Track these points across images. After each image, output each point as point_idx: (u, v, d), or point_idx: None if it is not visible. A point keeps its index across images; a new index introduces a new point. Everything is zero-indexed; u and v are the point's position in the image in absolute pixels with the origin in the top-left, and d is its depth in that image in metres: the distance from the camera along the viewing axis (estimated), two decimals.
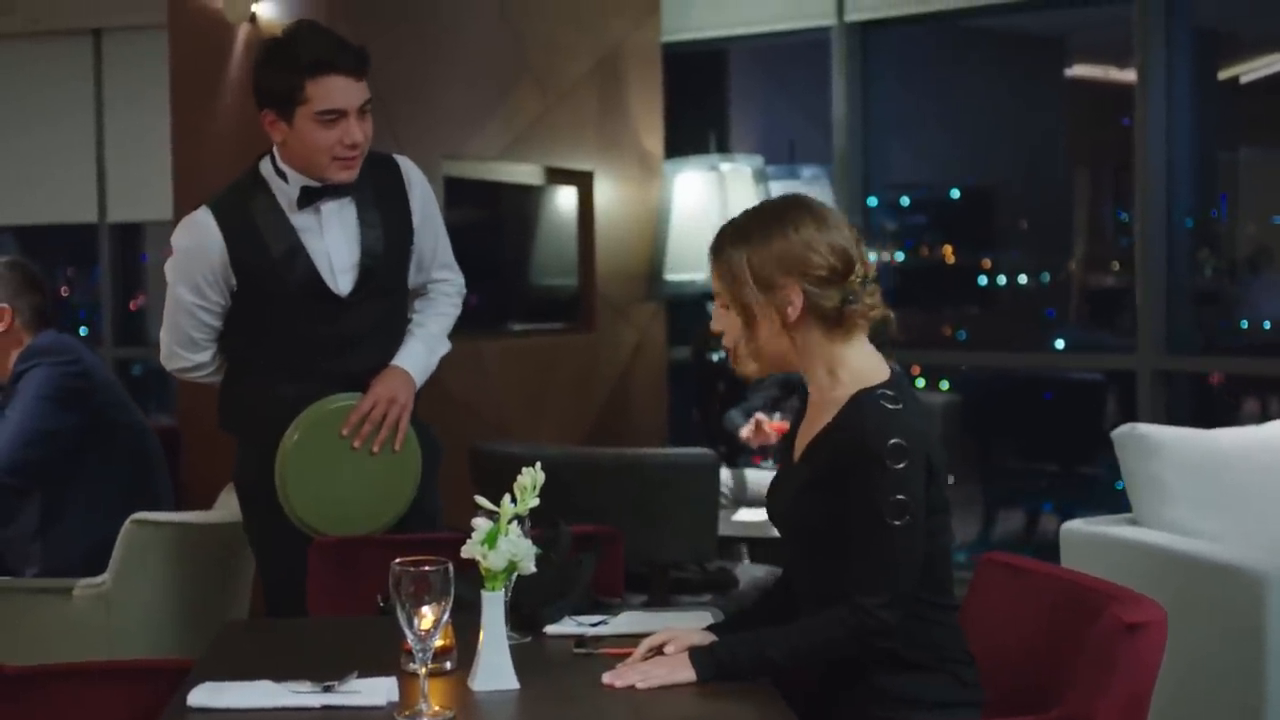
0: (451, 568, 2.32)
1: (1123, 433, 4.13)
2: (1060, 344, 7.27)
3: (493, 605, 2.45)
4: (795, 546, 2.66)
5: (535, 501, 2.50)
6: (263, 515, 3.47)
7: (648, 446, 6.51)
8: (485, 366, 5.92)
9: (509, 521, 2.48)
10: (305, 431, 3.39)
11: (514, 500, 2.49)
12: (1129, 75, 6.35)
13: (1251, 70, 7.03)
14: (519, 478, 2.51)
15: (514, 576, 2.51)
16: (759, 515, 5.32)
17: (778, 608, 2.70)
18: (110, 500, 3.86)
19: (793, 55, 7.44)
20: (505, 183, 6.24)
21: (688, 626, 2.63)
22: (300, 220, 3.45)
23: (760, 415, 5.25)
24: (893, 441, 2.44)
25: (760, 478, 5.59)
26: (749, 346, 2.60)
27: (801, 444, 2.63)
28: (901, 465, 2.43)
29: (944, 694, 2.54)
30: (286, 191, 3.45)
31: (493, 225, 6.39)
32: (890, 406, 2.48)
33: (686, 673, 2.45)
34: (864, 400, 2.51)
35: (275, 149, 3.48)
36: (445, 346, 3.70)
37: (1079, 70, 7.95)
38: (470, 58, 5.83)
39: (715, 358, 6.51)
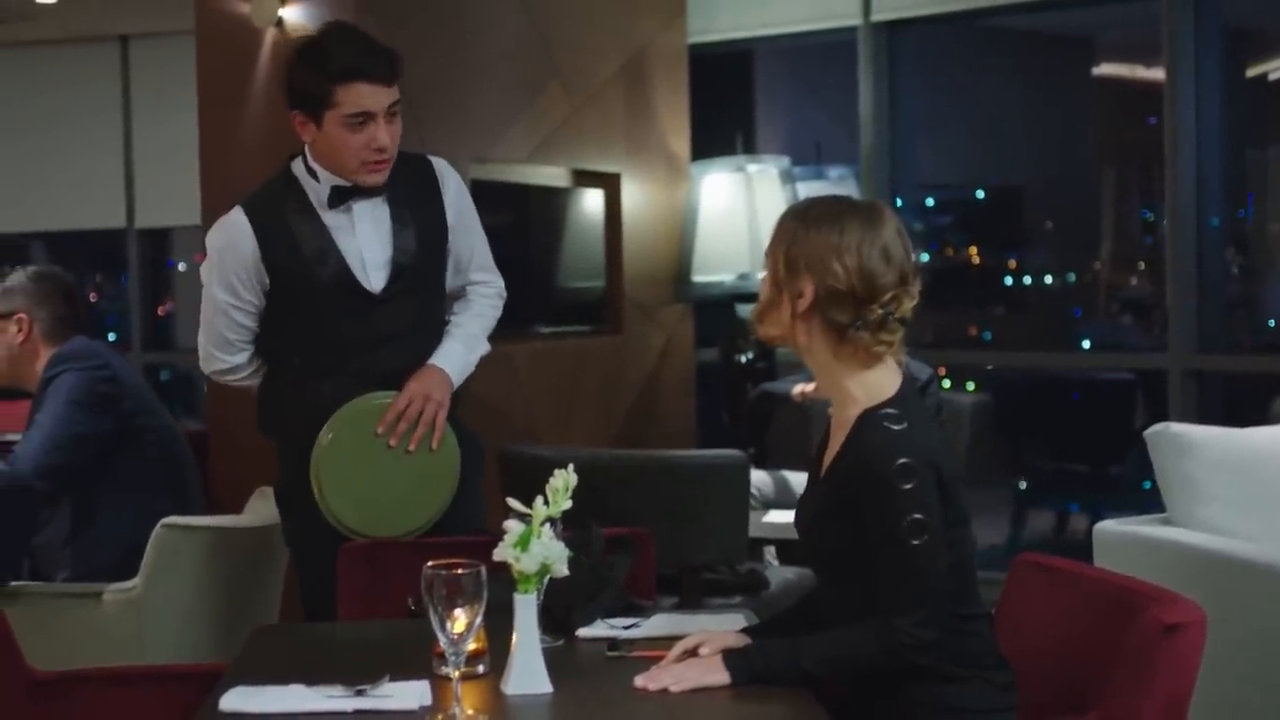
0: (484, 570, 2.31)
1: (1156, 432, 4.10)
2: (1086, 344, 7.24)
3: (525, 608, 2.44)
4: (816, 566, 2.69)
5: (568, 504, 2.49)
6: (302, 518, 3.47)
7: (676, 448, 6.50)
8: (514, 369, 5.91)
9: (541, 524, 2.47)
10: (340, 430, 3.39)
11: (546, 503, 2.48)
12: (1156, 74, 6.32)
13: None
14: (551, 480, 2.50)
15: (546, 579, 2.50)
16: (788, 517, 5.31)
17: (816, 613, 2.68)
18: (140, 505, 3.87)
19: (819, 56, 7.42)
20: (532, 185, 6.24)
21: (721, 629, 2.62)
22: (332, 219, 3.46)
23: (802, 384, 5.18)
24: (900, 462, 2.43)
25: (789, 479, 5.58)
26: (771, 315, 2.62)
27: (827, 459, 2.63)
28: (910, 485, 2.42)
29: (979, 700, 2.52)
30: (318, 190, 3.46)
31: (520, 228, 6.39)
32: (894, 427, 2.47)
33: (720, 675, 2.44)
34: (868, 421, 2.50)
35: (306, 148, 3.49)
36: (484, 347, 3.69)
37: (1105, 69, 7.92)
38: (497, 60, 5.82)
39: (744, 359, 6.50)
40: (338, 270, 3.44)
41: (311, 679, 2.44)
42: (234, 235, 3.45)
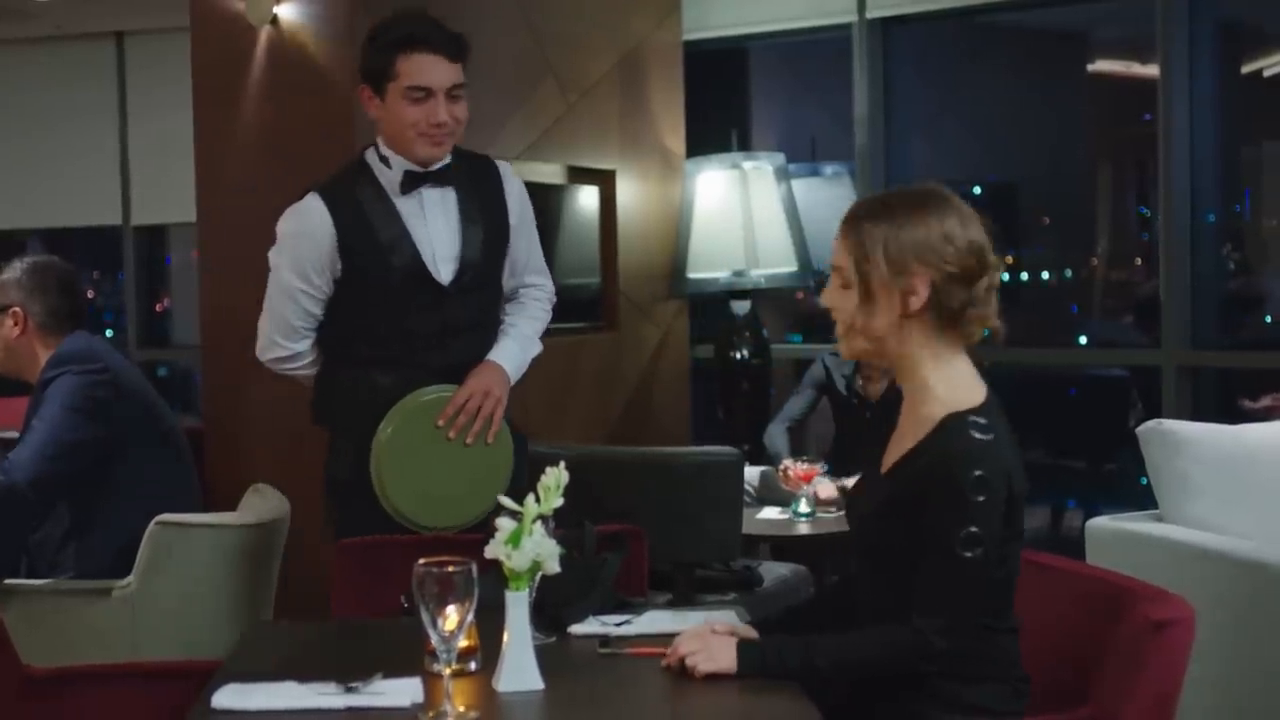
0: (475, 568, 2.32)
1: (1148, 429, 4.12)
2: (1084, 340, 7.24)
3: (517, 605, 2.44)
4: (865, 559, 2.62)
5: (559, 501, 2.50)
6: (358, 509, 3.49)
7: (671, 444, 6.51)
8: None
9: (533, 521, 2.47)
10: (401, 422, 3.44)
11: (538, 500, 2.49)
12: (1150, 70, 6.32)
13: (1275, 64, 7.00)
14: (543, 477, 2.50)
15: (538, 576, 2.51)
16: (782, 514, 5.32)
17: (832, 612, 2.68)
18: (140, 506, 3.84)
19: (814, 52, 7.42)
20: (528, 182, 6.23)
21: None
22: (404, 205, 3.50)
23: (787, 462, 5.20)
24: (977, 473, 2.39)
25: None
26: (863, 326, 2.54)
27: (890, 457, 2.58)
28: (982, 498, 2.39)
29: (991, 700, 2.51)
30: (390, 177, 3.50)
31: None
32: (980, 436, 2.43)
33: (728, 659, 2.44)
34: (954, 426, 2.45)
35: (378, 136, 3.53)
36: (537, 348, 3.75)
37: (1101, 65, 7.92)
38: (492, 58, 5.82)
39: (739, 356, 6.51)
40: (411, 259, 3.47)
41: (304, 676, 2.45)
42: (310, 220, 3.48)
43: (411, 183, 3.50)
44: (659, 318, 6.68)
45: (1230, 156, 6.40)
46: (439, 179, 3.52)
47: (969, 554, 2.39)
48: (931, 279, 2.48)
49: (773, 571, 4.96)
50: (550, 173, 6.27)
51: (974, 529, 2.38)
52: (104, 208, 7.69)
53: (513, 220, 3.66)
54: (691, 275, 6.49)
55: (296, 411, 5.32)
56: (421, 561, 2.31)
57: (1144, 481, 4.22)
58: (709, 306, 6.79)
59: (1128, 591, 2.49)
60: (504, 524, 2.47)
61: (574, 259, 6.54)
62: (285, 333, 3.57)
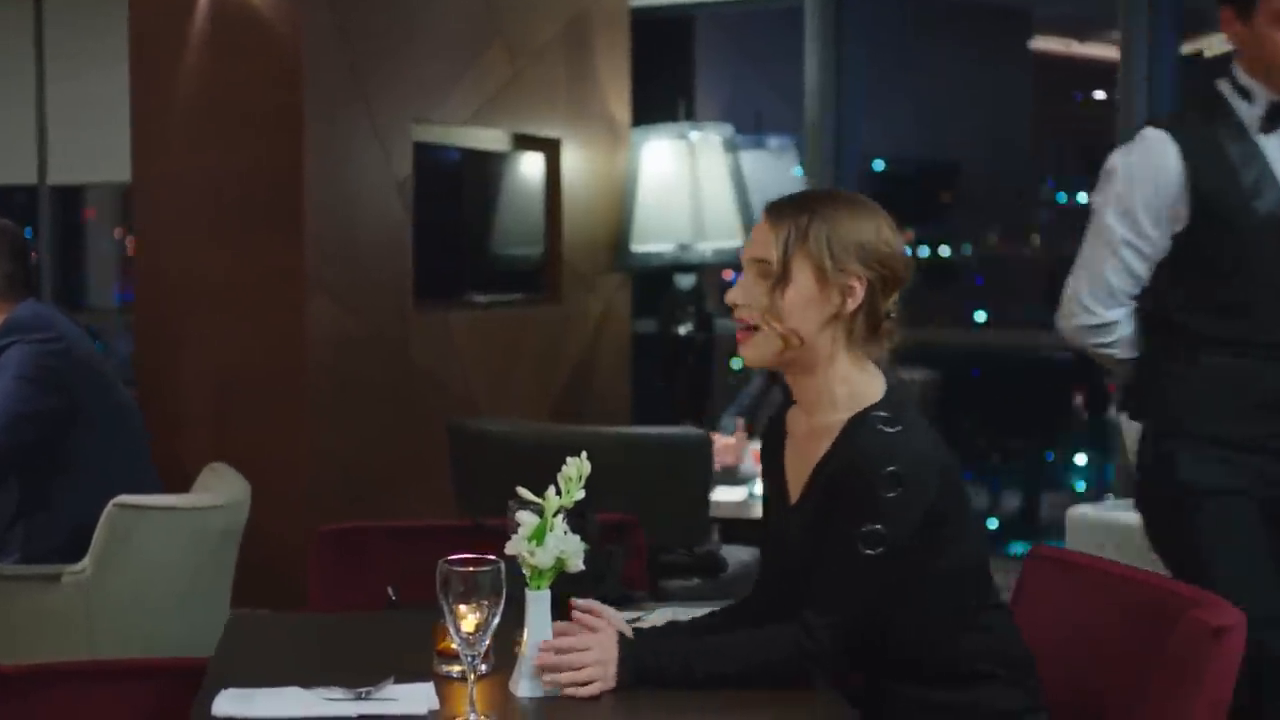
0: (503, 567, 2.17)
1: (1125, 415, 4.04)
2: (981, 316, 7.20)
3: (539, 605, 2.29)
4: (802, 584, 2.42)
5: (582, 493, 2.34)
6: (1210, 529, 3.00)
7: (612, 420, 6.37)
8: (451, 338, 5.75)
9: (554, 515, 2.31)
10: None
11: (559, 492, 2.33)
12: (1091, 50, 6.28)
13: (1215, 46, 6.98)
14: (564, 468, 2.34)
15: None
16: (735, 495, 5.20)
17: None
18: (95, 484, 3.62)
19: (759, 23, 7.30)
20: (471, 150, 6.06)
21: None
22: (1268, 145, 2.97)
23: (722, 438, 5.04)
24: (890, 469, 2.27)
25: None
26: (780, 327, 2.37)
27: (796, 481, 2.44)
28: (892, 495, 2.27)
29: (1009, 700, 2.40)
30: (1249, 111, 2.98)
31: (461, 192, 6.21)
32: (887, 430, 2.31)
33: (609, 676, 2.27)
34: (859, 424, 2.33)
35: (1234, 64, 3.02)
36: None
37: (1042, 43, 7.89)
38: (441, 18, 5.63)
39: (682, 330, 6.38)
40: (1276, 208, 2.94)
41: (305, 679, 2.28)
42: (1154, 157, 2.97)
43: (1274, 118, 2.95)
44: (602, 290, 6.53)
45: None
46: None
47: (869, 551, 2.28)
48: (869, 280, 2.36)
49: (734, 556, 4.83)
50: (494, 139, 6.09)
51: (877, 527, 2.27)
52: (19, 167, 7.41)
53: None
54: (636, 248, 6.34)
55: (243, 384, 5.18)
56: (446, 560, 2.15)
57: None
58: (652, 280, 6.65)
59: (1174, 595, 2.38)
60: (525, 518, 2.30)
61: (518, 229, 6.38)
62: (1100, 296, 3.04)
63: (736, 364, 6.60)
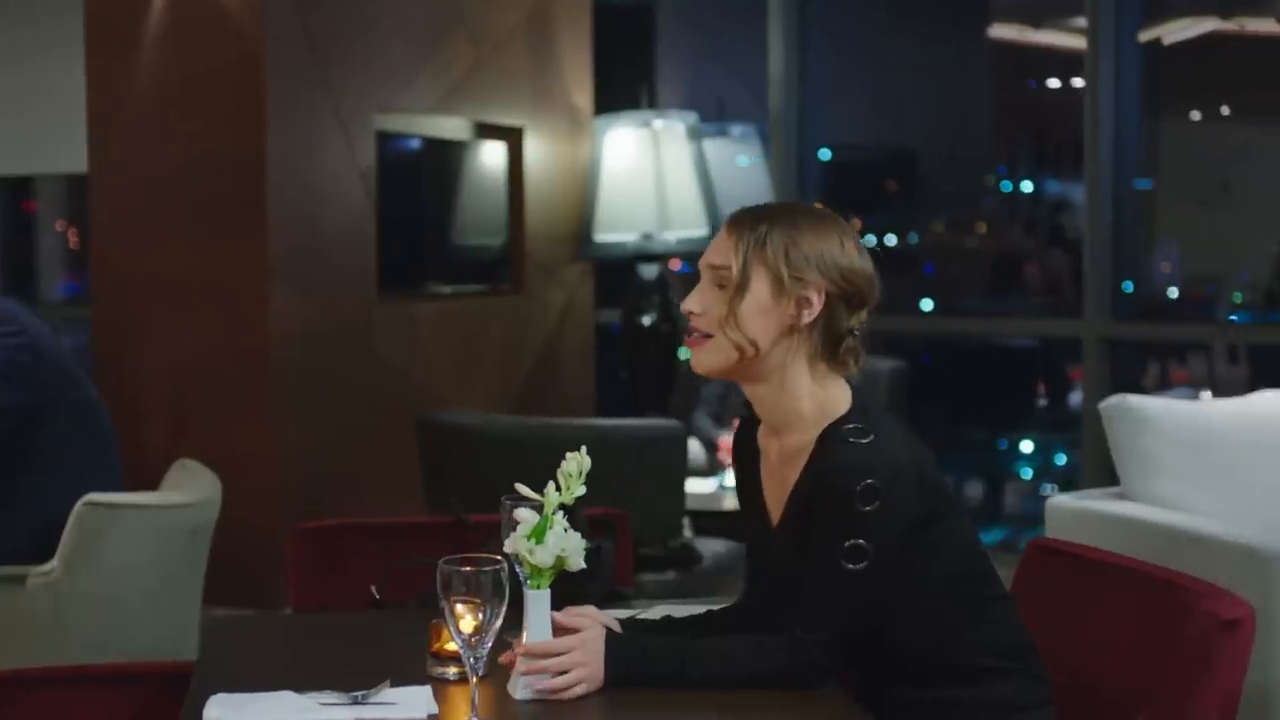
0: (507, 568, 2.10)
1: (1111, 405, 4.01)
2: (928, 304, 7.20)
3: (538, 605, 2.23)
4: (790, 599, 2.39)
5: (582, 490, 2.28)
6: None
7: (576, 411, 6.31)
8: (415, 329, 5.67)
9: (554, 512, 2.25)
10: None
11: (559, 488, 2.26)
12: (1045, 38, 6.26)
13: (1174, 32, 7.00)
14: (564, 463, 2.28)
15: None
16: (705, 486, 5.16)
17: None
18: (62, 482, 3.52)
19: (721, 12, 7.25)
20: (432, 138, 5.98)
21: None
22: None
23: (721, 438, 5.07)
24: (866, 482, 2.22)
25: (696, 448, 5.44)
26: (736, 336, 2.32)
27: (774, 504, 2.40)
28: (870, 508, 2.22)
29: (1022, 694, 2.36)
30: None
31: (423, 181, 6.13)
32: (860, 441, 2.26)
33: (596, 677, 2.23)
34: (831, 439, 2.29)
35: None
36: None
37: (1000, 31, 7.88)
38: (404, 7, 5.55)
39: (646, 321, 6.32)
40: None
41: (296, 682, 2.21)
42: None
43: None
44: (565, 281, 6.46)
45: (1151, 127, 6.39)
46: None
47: (853, 566, 2.24)
48: (827, 292, 2.32)
49: (708, 549, 4.78)
50: (456, 128, 6.01)
51: (860, 541, 2.23)
52: None
53: None
54: (600, 238, 6.28)
55: (205, 378, 5.08)
56: (446, 560, 2.09)
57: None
58: (615, 270, 6.59)
59: (1182, 588, 2.35)
60: (524, 516, 2.24)
61: (480, 218, 6.31)
62: None
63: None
